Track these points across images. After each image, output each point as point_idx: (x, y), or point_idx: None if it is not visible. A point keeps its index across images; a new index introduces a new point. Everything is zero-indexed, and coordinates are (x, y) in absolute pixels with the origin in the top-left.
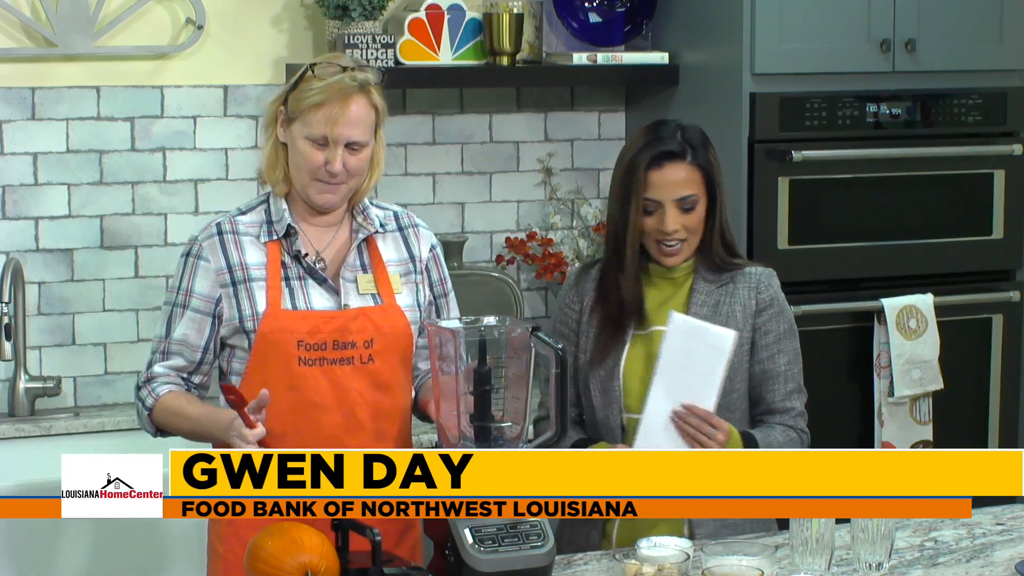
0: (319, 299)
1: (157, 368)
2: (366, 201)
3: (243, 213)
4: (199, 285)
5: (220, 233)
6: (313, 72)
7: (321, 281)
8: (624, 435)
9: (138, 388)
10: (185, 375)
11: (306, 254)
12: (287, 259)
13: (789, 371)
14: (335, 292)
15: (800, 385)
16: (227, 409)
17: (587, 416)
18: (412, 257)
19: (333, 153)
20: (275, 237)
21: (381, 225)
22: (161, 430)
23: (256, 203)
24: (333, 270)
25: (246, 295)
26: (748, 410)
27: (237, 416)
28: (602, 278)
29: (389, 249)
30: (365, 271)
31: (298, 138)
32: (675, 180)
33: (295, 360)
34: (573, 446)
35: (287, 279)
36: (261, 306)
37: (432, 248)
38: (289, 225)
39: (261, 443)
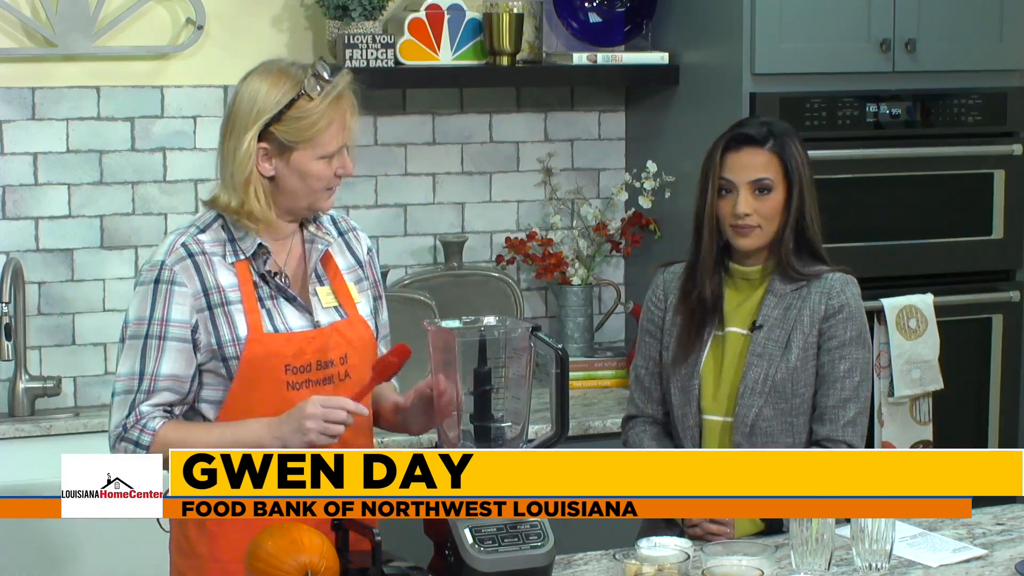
0: (294, 319)
1: (144, 408)
2: None
3: (202, 231)
4: (176, 312)
5: (191, 255)
6: (308, 95)
7: (291, 299)
8: (701, 435)
9: (123, 432)
10: (168, 410)
11: (275, 273)
12: (257, 279)
13: (848, 378)
14: (306, 310)
15: (857, 394)
16: (257, 419)
17: (672, 414)
18: (359, 263)
19: (342, 158)
20: (242, 257)
21: (336, 233)
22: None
23: (210, 220)
24: (298, 285)
25: (224, 319)
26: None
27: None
28: (686, 275)
29: (339, 257)
30: (323, 283)
31: (308, 162)
32: (751, 163)
33: (284, 385)
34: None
35: (261, 300)
36: (242, 330)
37: (369, 250)
38: (260, 244)
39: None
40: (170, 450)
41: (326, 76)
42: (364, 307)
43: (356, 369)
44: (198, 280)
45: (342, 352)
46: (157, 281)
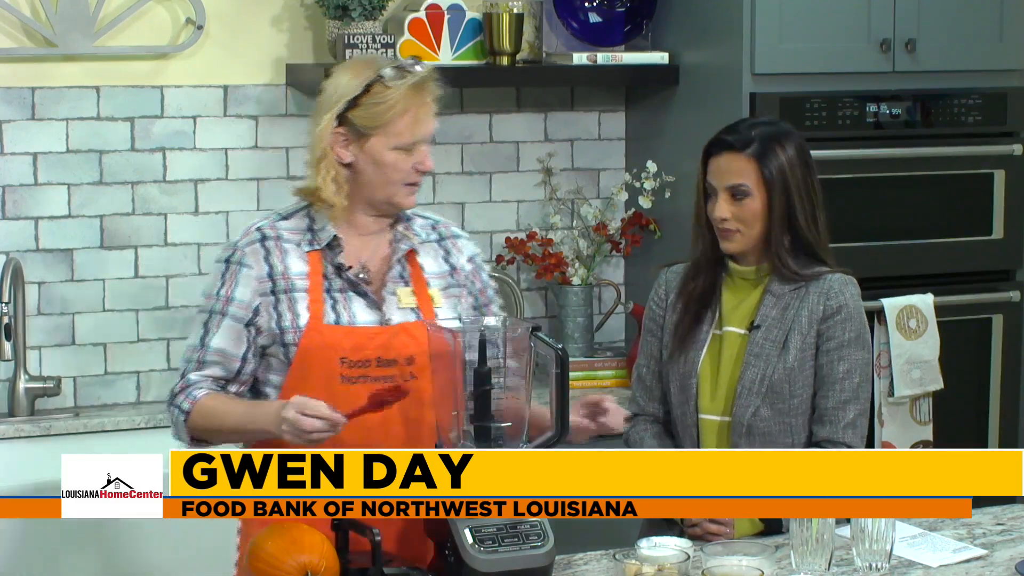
0: (362, 313)
1: (192, 376)
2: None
3: (284, 219)
4: (240, 292)
5: (263, 239)
6: (384, 82)
7: (363, 295)
8: (699, 434)
9: (172, 397)
10: (222, 385)
11: (348, 267)
12: (329, 270)
13: (847, 380)
14: (377, 307)
15: (857, 396)
16: (273, 401)
17: (672, 413)
18: (452, 269)
19: (421, 152)
20: (317, 247)
21: (423, 236)
22: (196, 439)
23: (297, 208)
24: (376, 283)
25: (287, 306)
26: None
27: (297, 400)
28: (685, 271)
29: (429, 261)
30: (406, 284)
31: (383, 150)
32: (728, 168)
33: (337, 377)
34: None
35: (329, 291)
36: (303, 318)
37: (472, 258)
38: (334, 236)
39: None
40: (170, 450)
41: (407, 67)
42: (446, 313)
43: (424, 372)
44: (265, 264)
45: (409, 353)
46: (228, 261)
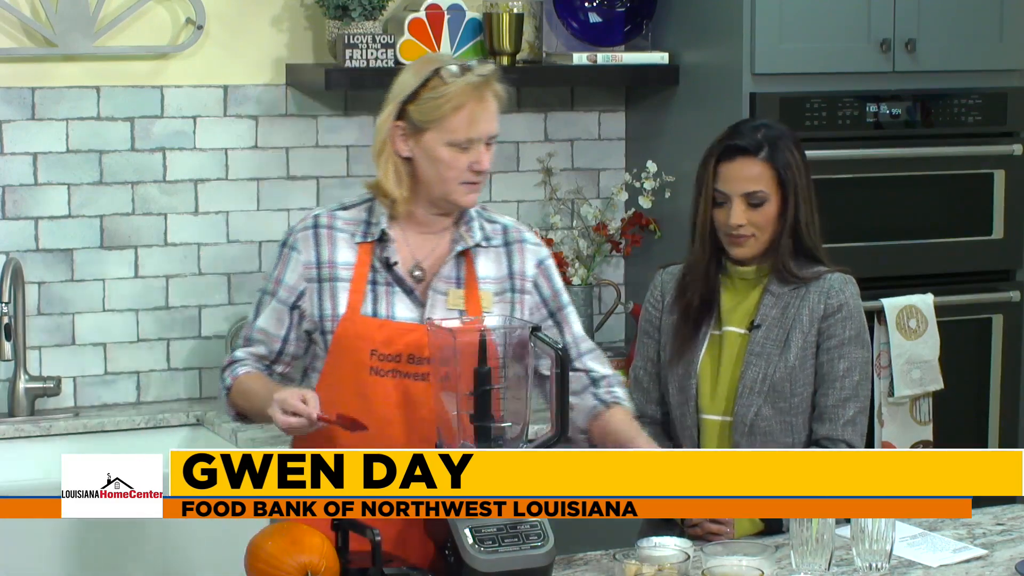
0: (403, 309)
1: (239, 352)
2: (473, 212)
3: (345, 209)
4: (288, 276)
5: (316, 227)
6: (441, 78)
7: (408, 292)
8: (699, 435)
9: (221, 371)
10: (267, 364)
11: (395, 262)
12: (377, 264)
13: (847, 378)
14: (420, 304)
15: (857, 393)
16: (280, 390)
17: (671, 414)
18: (512, 274)
19: (478, 152)
20: (369, 239)
21: (486, 238)
22: (239, 415)
23: (360, 200)
24: (429, 281)
25: (329, 294)
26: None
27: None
28: (681, 274)
29: (488, 265)
30: (459, 285)
31: (437, 146)
32: (744, 175)
33: (366, 369)
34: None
35: (373, 284)
36: (342, 308)
37: (540, 263)
38: (383, 231)
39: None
40: (170, 451)
41: (469, 65)
42: (495, 319)
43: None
44: (314, 251)
45: None
46: (284, 244)
